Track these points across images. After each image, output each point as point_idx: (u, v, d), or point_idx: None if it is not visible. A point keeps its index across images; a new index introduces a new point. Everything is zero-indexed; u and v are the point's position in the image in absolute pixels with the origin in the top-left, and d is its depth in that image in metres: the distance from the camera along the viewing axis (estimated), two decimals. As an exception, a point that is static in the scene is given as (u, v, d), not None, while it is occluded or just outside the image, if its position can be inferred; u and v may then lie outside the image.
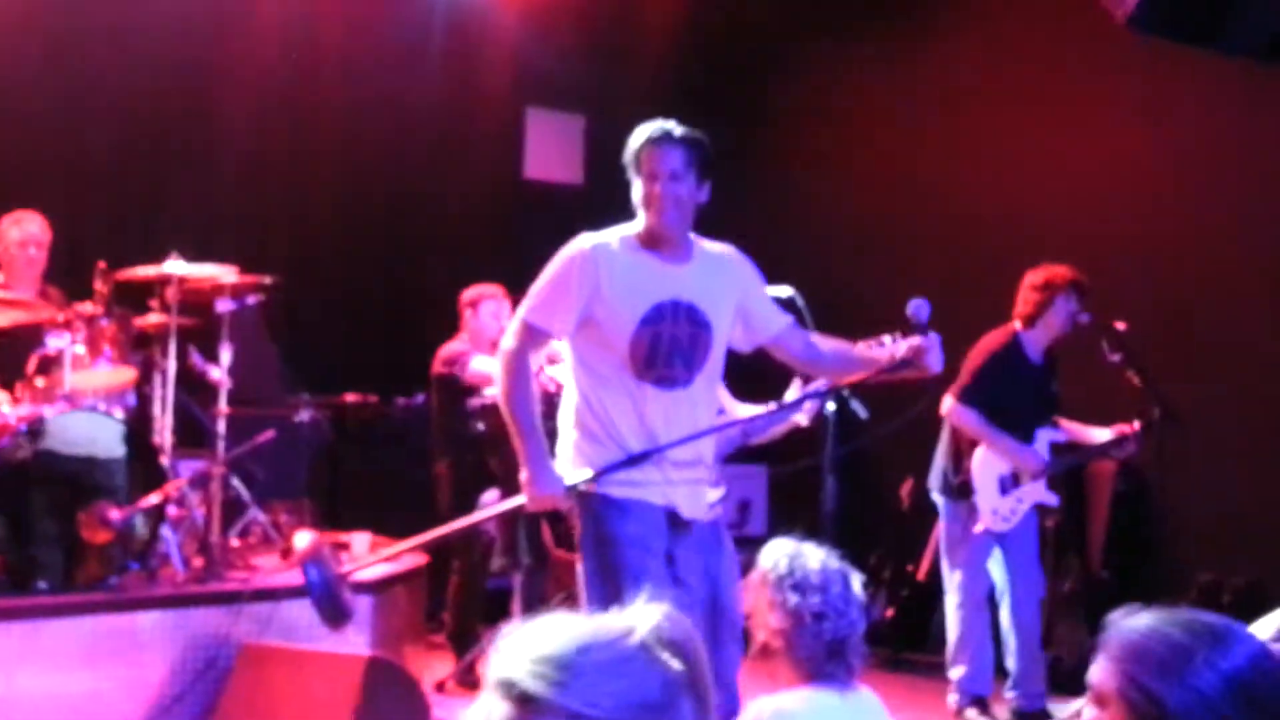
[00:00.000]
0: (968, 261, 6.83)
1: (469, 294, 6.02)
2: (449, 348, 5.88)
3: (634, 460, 3.34)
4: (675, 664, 1.22)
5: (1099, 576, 6.03)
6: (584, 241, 3.44)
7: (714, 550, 3.92)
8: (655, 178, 3.40)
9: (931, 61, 7.44)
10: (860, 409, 4.52)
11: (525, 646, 1.22)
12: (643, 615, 1.26)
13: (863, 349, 3.60)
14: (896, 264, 7.30)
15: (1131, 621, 1.61)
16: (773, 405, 4.26)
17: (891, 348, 3.51)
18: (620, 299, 3.38)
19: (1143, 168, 6.48)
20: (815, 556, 2.62)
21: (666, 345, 3.39)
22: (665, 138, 3.42)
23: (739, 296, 3.57)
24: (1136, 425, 5.15)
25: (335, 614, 3.51)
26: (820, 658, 2.56)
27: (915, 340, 3.45)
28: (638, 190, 3.44)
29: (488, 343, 5.91)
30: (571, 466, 3.42)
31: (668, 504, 3.43)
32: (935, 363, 3.46)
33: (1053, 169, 6.80)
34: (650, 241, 3.45)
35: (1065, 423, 5.33)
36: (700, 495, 3.55)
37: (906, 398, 4.19)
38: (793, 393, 4.45)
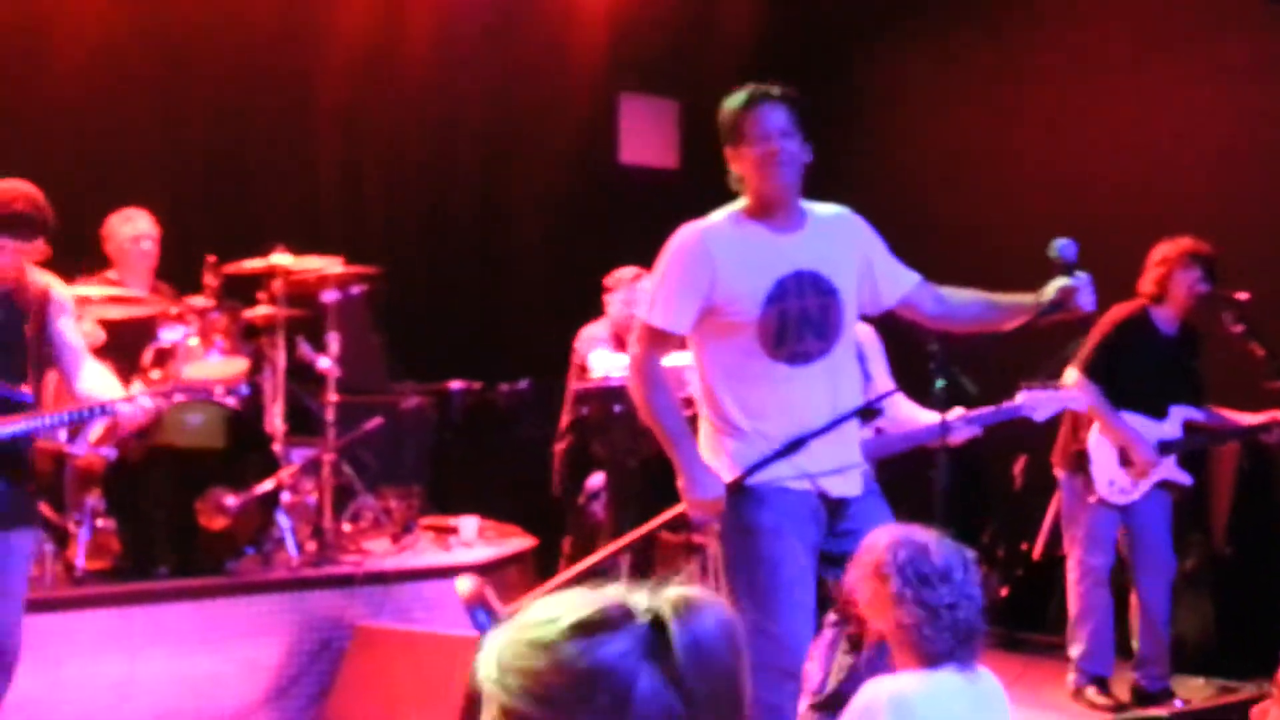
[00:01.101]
0: (1076, 240, 6.64)
1: (611, 279, 5.94)
2: (589, 329, 5.87)
3: (785, 451, 3.21)
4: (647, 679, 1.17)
5: (1223, 554, 5.85)
6: (690, 230, 3.31)
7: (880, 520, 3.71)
8: (769, 137, 3.24)
9: (1023, 35, 7.26)
10: (970, 384, 4.41)
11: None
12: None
13: (1007, 301, 3.46)
14: (993, 244, 7.13)
15: None
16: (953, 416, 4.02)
17: (1036, 292, 3.39)
18: (740, 281, 3.23)
19: (1259, 132, 6.24)
20: (933, 543, 2.52)
21: (796, 320, 3.23)
22: (767, 96, 3.30)
23: (861, 257, 3.39)
24: None
25: None
26: (949, 644, 2.48)
27: (1063, 281, 3.35)
28: (744, 159, 3.27)
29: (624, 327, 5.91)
30: (718, 464, 3.28)
31: (815, 489, 3.28)
32: (1087, 302, 3.36)
33: (1164, 138, 6.58)
34: (762, 213, 3.30)
35: (1219, 410, 5.16)
36: (852, 472, 3.35)
37: (1018, 372, 4.08)
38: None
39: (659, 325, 3.28)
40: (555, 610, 1.23)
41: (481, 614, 3.09)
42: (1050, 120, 7.09)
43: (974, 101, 7.49)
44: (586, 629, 1.20)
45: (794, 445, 3.22)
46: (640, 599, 1.22)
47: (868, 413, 3.75)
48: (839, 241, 3.39)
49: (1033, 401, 4.14)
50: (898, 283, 3.49)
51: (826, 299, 3.29)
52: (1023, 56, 7.26)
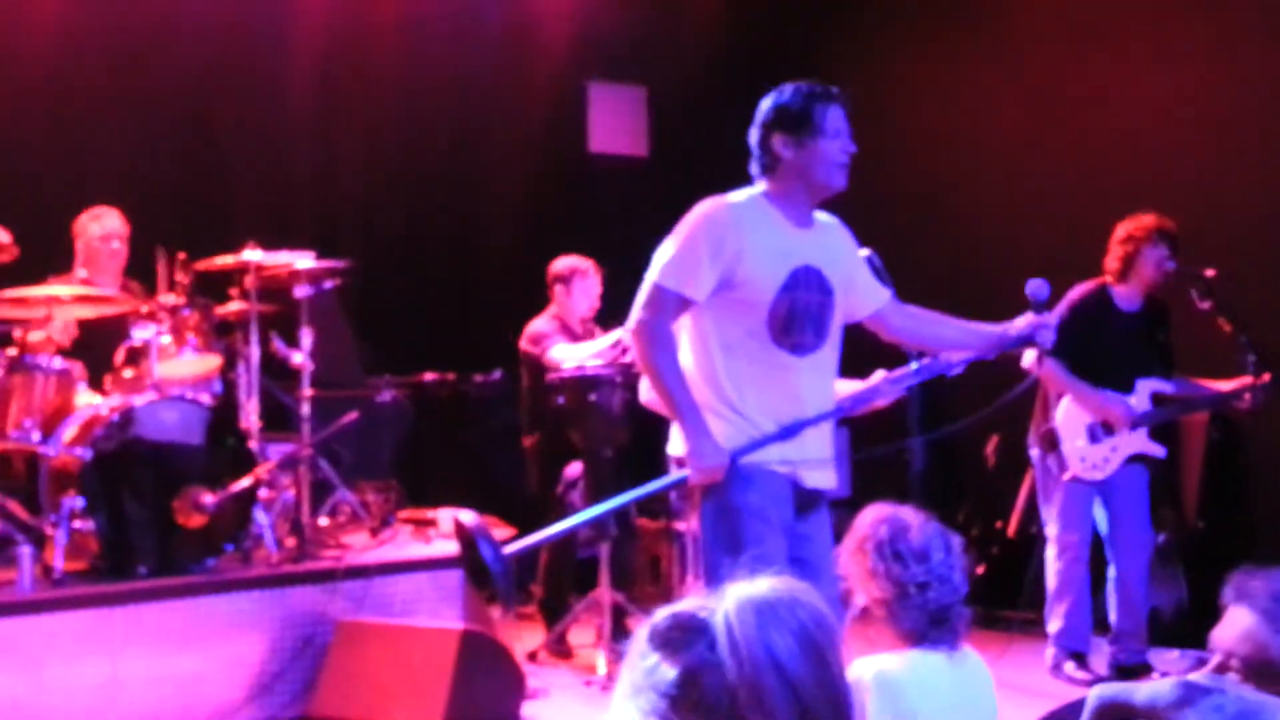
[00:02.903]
0: (1048, 218, 6.70)
1: (559, 267, 5.95)
2: (535, 325, 5.88)
3: (781, 436, 3.24)
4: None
5: (1194, 527, 5.93)
6: (720, 203, 3.31)
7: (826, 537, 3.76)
8: (844, 135, 3.32)
9: (1001, 17, 7.29)
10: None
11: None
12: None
13: (972, 328, 3.57)
14: (962, 230, 7.18)
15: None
16: (877, 378, 4.09)
17: (1004, 325, 3.52)
18: (763, 263, 3.25)
19: (1222, 108, 6.30)
20: (916, 523, 2.57)
21: (800, 312, 3.29)
22: (840, 96, 3.35)
23: (849, 267, 3.48)
24: (1266, 377, 5.00)
25: (513, 592, 3.33)
26: (924, 627, 2.52)
27: (1033, 318, 3.47)
28: (811, 150, 3.29)
29: (578, 320, 5.91)
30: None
31: (792, 475, 3.32)
32: (1047, 341, 3.49)
33: (1129, 115, 6.63)
34: (785, 203, 3.33)
35: (1191, 380, 5.22)
36: (828, 466, 3.43)
37: (999, 365, 4.12)
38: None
39: (677, 290, 3.25)
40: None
41: (486, 545, 3.09)
42: (1021, 97, 7.12)
43: (948, 87, 7.49)
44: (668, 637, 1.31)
45: (789, 431, 3.25)
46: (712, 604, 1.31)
47: None
48: (836, 248, 3.46)
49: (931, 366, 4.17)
50: (872, 297, 3.56)
51: (825, 298, 3.35)
52: (1000, 39, 7.27)
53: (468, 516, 3.14)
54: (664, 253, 3.29)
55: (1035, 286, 3.48)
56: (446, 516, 5.79)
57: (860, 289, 3.52)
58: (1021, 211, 6.93)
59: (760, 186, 3.37)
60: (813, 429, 3.33)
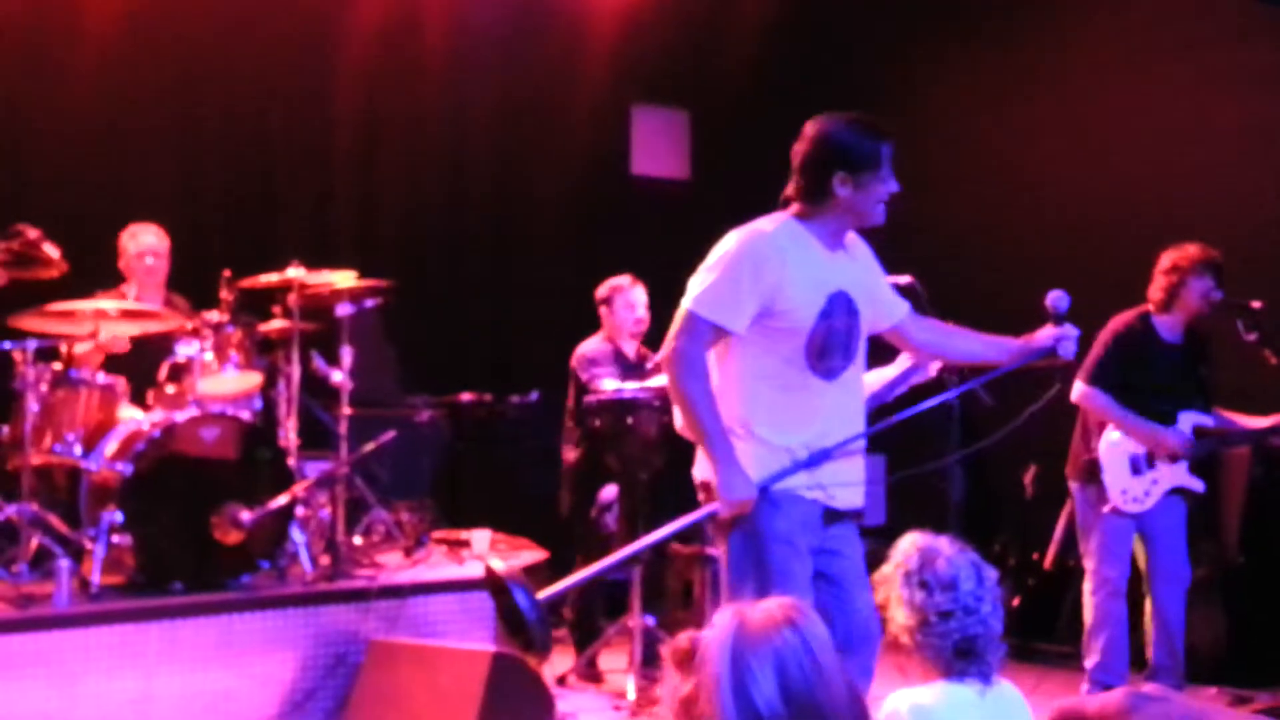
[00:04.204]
0: (1092, 246, 6.65)
1: (602, 290, 5.98)
2: (586, 346, 5.88)
3: (816, 460, 3.26)
4: None
5: (1235, 562, 5.84)
6: (758, 232, 3.30)
7: (854, 544, 3.71)
8: (892, 175, 3.33)
9: (1037, 41, 7.26)
10: (985, 395, 4.41)
11: None
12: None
13: (992, 340, 3.58)
14: (1011, 252, 7.13)
15: None
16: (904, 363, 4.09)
17: (1025, 337, 3.53)
18: (803, 292, 3.26)
19: (1269, 137, 6.24)
20: (949, 552, 2.55)
21: (834, 338, 3.32)
22: (891, 134, 3.36)
23: (872, 284, 3.51)
24: None
25: (547, 640, 3.16)
26: (948, 657, 2.50)
27: (1054, 330, 3.49)
28: (867, 188, 3.29)
29: (627, 334, 5.93)
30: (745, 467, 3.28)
31: (825, 499, 3.34)
32: (1068, 352, 3.50)
33: (1179, 146, 6.57)
34: (819, 230, 3.34)
35: (1226, 414, 5.17)
36: (859, 487, 3.43)
37: (1032, 385, 4.09)
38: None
39: (715, 320, 3.25)
40: None
41: (521, 593, 3.04)
42: (1065, 125, 7.08)
43: (987, 110, 7.47)
44: None
45: (817, 459, 3.26)
46: None
47: None
48: (860, 267, 3.48)
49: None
50: (892, 311, 3.59)
51: (852, 320, 3.37)
52: (1037, 62, 7.24)
53: (499, 564, 3.11)
54: (701, 282, 3.28)
55: (1055, 298, 3.51)
56: (480, 538, 5.82)
57: (881, 303, 3.54)
58: (1064, 238, 6.88)
59: (791, 209, 3.37)
60: (842, 452, 3.33)
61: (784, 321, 3.25)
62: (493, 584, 3.12)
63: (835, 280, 3.33)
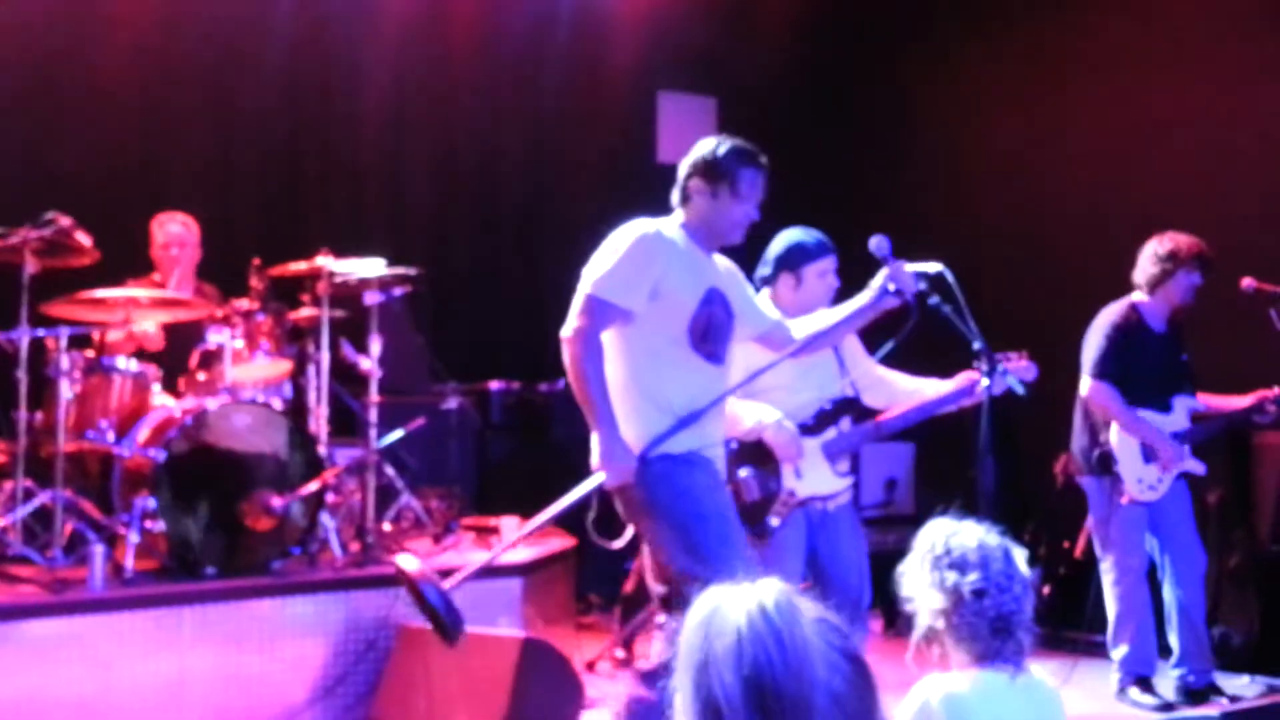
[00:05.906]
0: (1109, 233, 6.60)
1: None
2: None
3: (687, 422, 3.48)
4: None
5: (1268, 550, 5.80)
6: (646, 223, 3.60)
7: None
8: (754, 202, 3.65)
9: (1070, 31, 7.20)
10: (1018, 386, 4.38)
11: None
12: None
13: (842, 312, 3.83)
14: (1037, 242, 7.10)
15: None
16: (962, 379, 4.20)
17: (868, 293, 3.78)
18: (684, 279, 3.57)
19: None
20: (973, 533, 2.54)
21: (715, 326, 3.61)
22: (763, 164, 3.67)
23: (740, 296, 3.78)
24: (1277, 390, 5.02)
25: (458, 629, 3.53)
26: (985, 636, 2.47)
27: (885, 271, 3.70)
28: (723, 206, 3.62)
29: None
30: (634, 439, 3.51)
31: (710, 456, 3.63)
32: (908, 285, 3.68)
33: (1200, 140, 6.52)
34: (695, 236, 3.65)
35: (1205, 396, 5.18)
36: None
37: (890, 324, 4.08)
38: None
39: (611, 300, 3.50)
40: None
41: (431, 589, 3.39)
42: (1098, 118, 7.04)
43: (1019, 98, 7.43)
44: None
45: (696, 415, 3.51)
46: None
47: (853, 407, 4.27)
48: (731, 278, 3.78)
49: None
50: (756, 323, 3.84)
51: (729, 319, 3.68)
52: (1070, 53, 7.19)
53: (409, 564, 3.48)
54: (598, 267, 3.54)
55: (877, 244, 3.69)
56: (509, 525, 5.83)
57: (748, 315, 3.80)
58: (1091, 234, 6.83)
59: (679, 216, 3.69)
60: (712, 417, 3.59)
61: (670, 301, 3.53)
62: (406, 582, 3.45)
63: (711, 279, 3.64)
